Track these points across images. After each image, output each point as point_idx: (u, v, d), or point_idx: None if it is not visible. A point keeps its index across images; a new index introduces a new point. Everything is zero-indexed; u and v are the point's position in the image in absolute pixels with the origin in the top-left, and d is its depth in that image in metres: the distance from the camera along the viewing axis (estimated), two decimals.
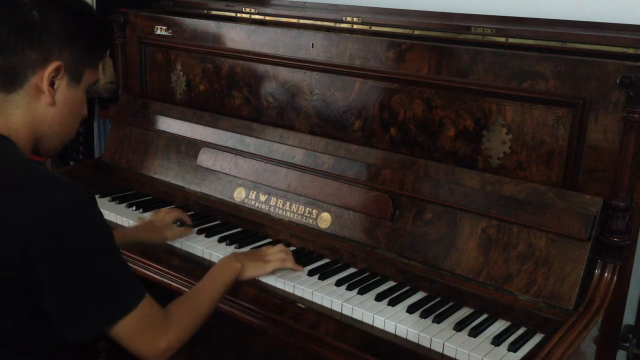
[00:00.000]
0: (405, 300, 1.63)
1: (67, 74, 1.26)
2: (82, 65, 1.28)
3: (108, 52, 2.61)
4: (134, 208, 2.18)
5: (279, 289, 1.69)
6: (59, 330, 1.17)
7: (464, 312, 1.60)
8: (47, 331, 1.18)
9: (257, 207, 1.99)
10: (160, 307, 1.27)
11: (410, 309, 1.58)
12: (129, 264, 1.29)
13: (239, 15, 2.27)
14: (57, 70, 1.23)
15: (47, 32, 1.21)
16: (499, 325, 1.54)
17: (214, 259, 1.83)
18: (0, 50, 1.20)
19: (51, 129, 1.28)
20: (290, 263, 1.71)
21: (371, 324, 1.55)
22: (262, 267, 1.66)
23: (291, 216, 1.92)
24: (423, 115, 1.77)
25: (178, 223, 1.99)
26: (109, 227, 1.22)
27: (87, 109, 1.38)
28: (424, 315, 1.55)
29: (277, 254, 1.71)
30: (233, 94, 2.20)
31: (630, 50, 1.55)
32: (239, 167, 2.06)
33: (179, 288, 1.88)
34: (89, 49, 1.29)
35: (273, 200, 1.97)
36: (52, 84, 1.24)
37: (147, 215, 2.07)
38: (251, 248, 1.87)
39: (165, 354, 1.25)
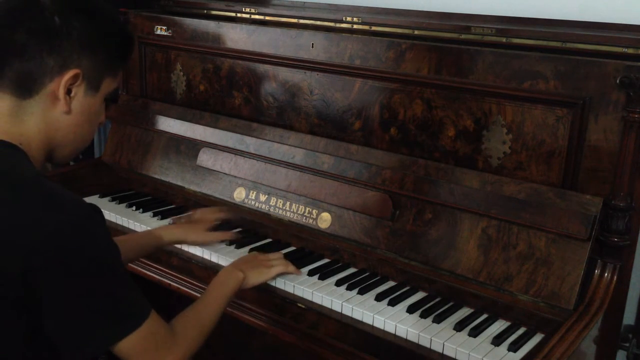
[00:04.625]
0: (405, 300, 1.63)
1: (85, 81, 1.20)
2: (102, 73, 1.23)
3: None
4: (134, 208, 2.17)
5: (279, 289, 1.69)
6: (61, 350, 1.14)
7: (464, 312, 1.60)
8: (45, 349, 1.15)
9: (257, 207, 1.99)
10: (166, 324, 1.24)
11: (410, 309, 1.58)
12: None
13: (239, 15, 2.27)
14: (75, 78, 1.18)
15: (68, 39, 1.16)
16: (499, 325, 1.54)
17: (214, 259, 1.83)
18: (18, 56, 1.15)
19: (65, 137, 1.23)
20: (292, 267, 1.71)
21: (371, 324, 1.55)
22: (266, 273, 1.65)
23: (291, 216, 1.92)
24: (423, 115, 1.77)
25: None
26: (115, 245, 1.18)
27: None
28: (424, 315, 1.55)
29: (278, 259, 1.71)
30: (233, 94, 2.20)
31: (630, 50, 1.55)
32: (239, 167, 2.06)
33: (179, 288, 1.88)
34: (110, 57, 1.24)
35: (273, 200, 1.97)
36: (69, 91, 1.19)
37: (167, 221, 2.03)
38: (251, 248, 1.87)
39: None
